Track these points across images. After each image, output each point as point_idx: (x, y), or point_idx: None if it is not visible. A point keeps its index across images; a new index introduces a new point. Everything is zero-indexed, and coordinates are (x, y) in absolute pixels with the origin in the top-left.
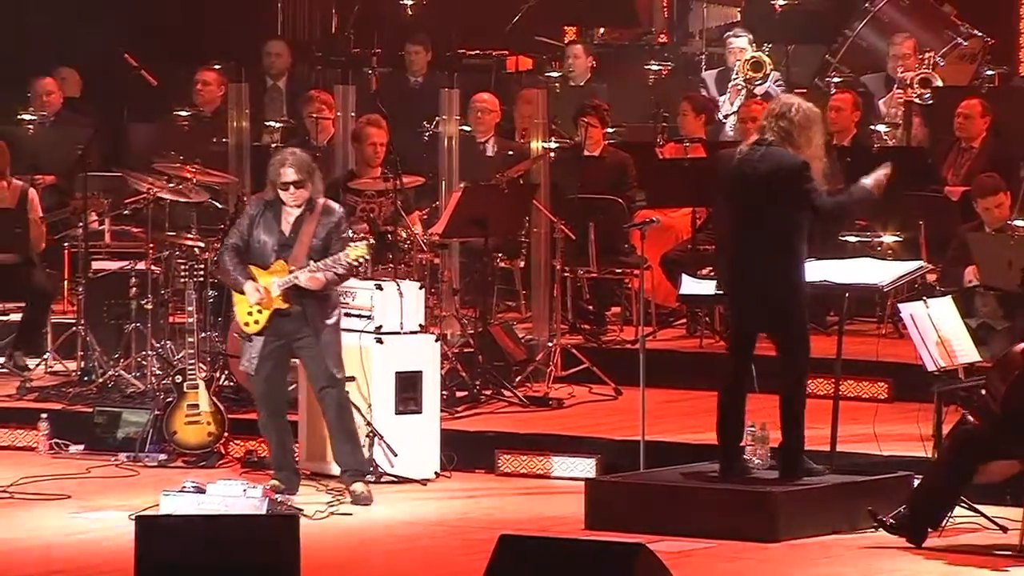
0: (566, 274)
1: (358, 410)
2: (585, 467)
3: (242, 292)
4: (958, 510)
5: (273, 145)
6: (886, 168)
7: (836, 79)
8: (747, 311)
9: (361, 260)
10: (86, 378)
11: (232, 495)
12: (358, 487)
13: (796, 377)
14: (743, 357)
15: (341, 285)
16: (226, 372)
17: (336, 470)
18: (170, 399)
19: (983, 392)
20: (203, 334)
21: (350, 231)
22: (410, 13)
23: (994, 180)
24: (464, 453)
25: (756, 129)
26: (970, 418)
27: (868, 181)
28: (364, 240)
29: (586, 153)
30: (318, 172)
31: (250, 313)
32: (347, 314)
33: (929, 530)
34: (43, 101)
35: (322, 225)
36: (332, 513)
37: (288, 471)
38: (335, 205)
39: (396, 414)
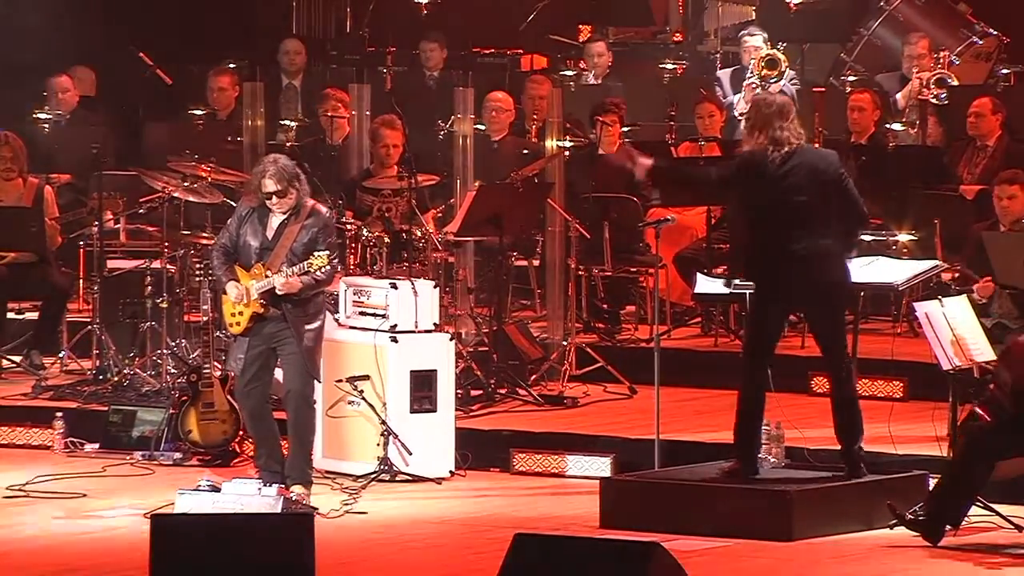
0: (581, 273)
1: (372, 408)
2: (600, 466)
3: (225, 292)
4: (973, 509)
5: (288, 144)
6: None
7: (851, 78)
8: (807, 289)
9: (323, 269)
10: (101, 377)
11: (247, 494)
12: (297, 488)
13: (853, 373)
14: (773, 348)
15: (323, 290)
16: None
17: (351, 469)
18: (185, 398)
19: (991, 387)
20: (217, 333)
21: (333, 235)
22: (425, 12)
23: (1013, 173)
24: (479, 452)
25: (780, 139)
26: (979, 411)
27: None
28: (326, 251)
29: (601, 152)
30: (302, 176)
31: (232, 314)
32: (362, 313)
33: (947, 528)
34: (59, 99)
35: (305, 228)
36: (347, 512)
37: (269, 473)
38: (322, 208)
39: (411, 413)
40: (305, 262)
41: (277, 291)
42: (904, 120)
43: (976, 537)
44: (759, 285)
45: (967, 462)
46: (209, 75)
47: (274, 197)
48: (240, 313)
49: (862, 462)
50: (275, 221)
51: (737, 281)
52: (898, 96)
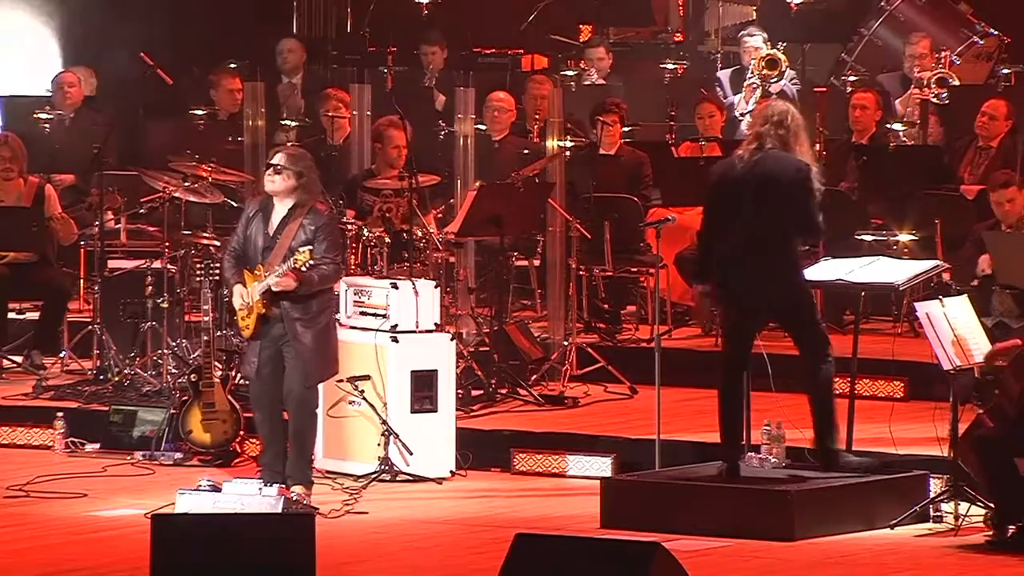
0: (581, 273)
1: (373, 408)
2: (601, 466)
3: None
4: (973, 508)
5: (288, 144)
6: None
7: (852, 78)
8: (755, 293)
9: (306, 264)
10: (102, 377)
11: (248, 494)
12: (298, 488)
13: (827, 372)
14: (744, 350)
15: (325, 288)
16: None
17: (352, 469)
18: (186, 398)
19: (996, 393)
20: (219, 332)
21: (334, 234)
22: (425, 12)
23: (1007, 175)
24: (479, 452)
25: (752, 136)
26: (985, 418)
27: None
28: (309, 247)
29: (602, 152)
30: (312, 173)
31: (242, 318)
32: (363, 313)
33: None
34: (66, 93)
35: (303, 227)
36: (347, 512)
37: (272, 472)
38: (321, 207)
39: (411, 413)
40: (291, 259)
41: (272, 289)
42: (905, 120)
43: (977, 537)
44: (722, 288)
45: (990, 472)
46: (216, 76)
47: (270, 170)
48: (247, 316)
49: (838, 459)
50: (277, 218)
51: None
52: (897, 103)
